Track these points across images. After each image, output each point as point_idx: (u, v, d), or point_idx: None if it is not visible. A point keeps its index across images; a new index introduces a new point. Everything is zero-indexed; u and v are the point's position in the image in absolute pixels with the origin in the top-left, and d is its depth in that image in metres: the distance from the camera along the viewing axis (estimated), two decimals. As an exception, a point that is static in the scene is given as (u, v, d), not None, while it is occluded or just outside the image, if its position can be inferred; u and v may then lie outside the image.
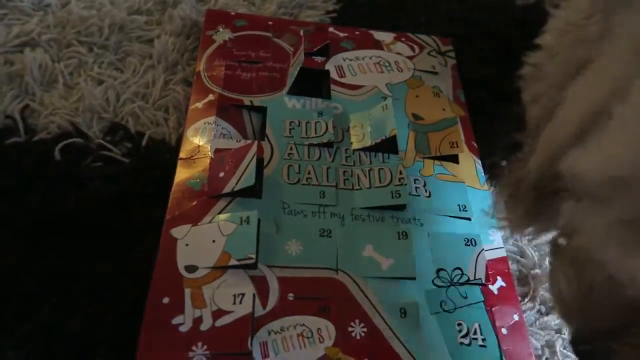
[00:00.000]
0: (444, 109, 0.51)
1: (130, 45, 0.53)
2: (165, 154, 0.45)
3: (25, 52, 0.49)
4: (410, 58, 0.55)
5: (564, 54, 0.53)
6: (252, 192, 0.40)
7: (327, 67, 0.51)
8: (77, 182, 0.42)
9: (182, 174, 0.41)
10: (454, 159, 0.47)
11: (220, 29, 0.53)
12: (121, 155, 0.45)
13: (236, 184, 0.40)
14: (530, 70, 0.58)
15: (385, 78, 0.52)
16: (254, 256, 0.36)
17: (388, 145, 0.45)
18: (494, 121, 0.55)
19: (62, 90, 0.48)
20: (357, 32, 0.56)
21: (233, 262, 0.36)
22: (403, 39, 0.57)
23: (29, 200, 0.39)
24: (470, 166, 0.47)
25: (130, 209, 0.41)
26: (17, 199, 0.40)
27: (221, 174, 0.40)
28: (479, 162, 0.48)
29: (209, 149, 0.42)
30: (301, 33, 0.52)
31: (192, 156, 0.42)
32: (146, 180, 0.43)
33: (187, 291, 0.35)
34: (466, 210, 0.43)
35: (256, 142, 0.43)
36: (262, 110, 0.46)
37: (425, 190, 0.44)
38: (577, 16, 0.51)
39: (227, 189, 0.40)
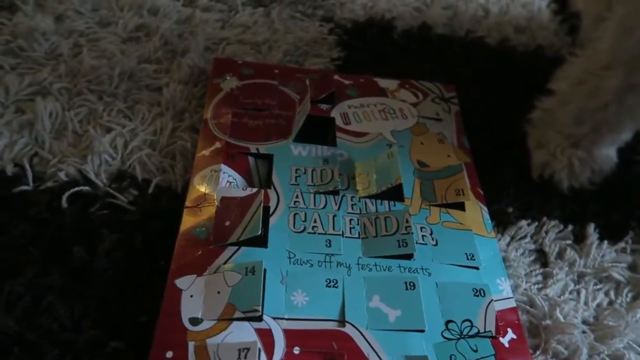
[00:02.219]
0: (448, 156, 0.51)
1: (140, 94, 0.54)
2: (172, 201, 0.46)
3: (37, 101, 0.50)
4: (415, 105, 0.55)
5: (578, 103, 0.54)
6: (258, 241, 0.40)
7: (332, 114, 0.51)
8: (84, 231, 0.42)
9: (187, 223, 0.41)
10: (460, 206, 0.47)
11: (228, 77, 0.54)
12: (127, 203, 0.45)
13: (242, 233, 0.40)
14: (540, 115, 0.58)
15: (390, 125, 0.52)
16: (259, 308, 0.36)
17: (394, 193, 0.45)
18: (499, 167, 0.55)
19: (71, 138, 0.49)
20: (362, 80, 0.57)
21: (238, 314, 0.36)
22: (407, 86, 0.58)
23: (35, 250, 0.39)
24: (476, 213, 0.47)
25: (135, 259, 0.40)
26: (23, 249, 0.39)
27: (227, 223, 0.40)
28: (486, 209, 0.48)
29: (216, 197, 0.42)
30: (307, 82, 0.53)
31: (198, 204, 0.42)
32: (152, 228, 0.43)
33: (191, 345, 0.34)
34: (474, 259, 0.43)
35: (262, 191, 0.43)
36: (268, 158, 0.47)
37: (432, 239, 0.43)
38: (595, 66, 0.51)
39: (233, 238, 0.39)
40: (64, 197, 0.44)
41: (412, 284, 0.39)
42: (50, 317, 0.36)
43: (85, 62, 0.55)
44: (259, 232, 0.39)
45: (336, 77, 0.57)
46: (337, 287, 0.39)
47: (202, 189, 0.43)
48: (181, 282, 0.37)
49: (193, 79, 0.57)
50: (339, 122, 0.51)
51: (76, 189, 0.44)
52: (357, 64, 0.64)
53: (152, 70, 0.57)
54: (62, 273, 0.39)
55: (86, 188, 0.45)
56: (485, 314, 0.39)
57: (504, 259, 0.46)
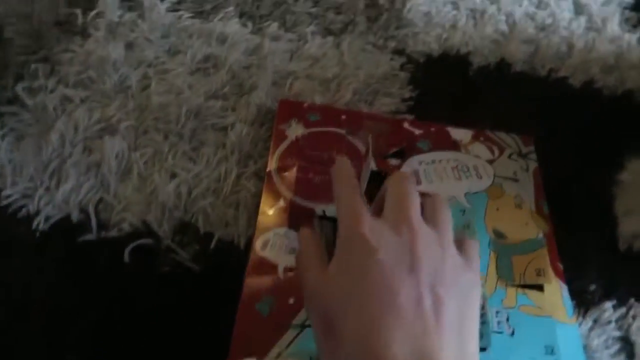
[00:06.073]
0: (527, 223, 0.47)
1: (205, 134, 0.53)
2: (234, 258, 0.44)
3: (105, 140, 0.50)
4: (490, 162, 0.51)
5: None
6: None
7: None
8: (145, 290, 0.41)
9: (249, 293, 0.40)
10: (539, 286, 0.43)
11: (293, 124, 0.52)
12: (190, 260, 0.43)
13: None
14: (629, 178, 0.53)
15: (464, 186, 0.49)
16: (323, 405, 0.34)
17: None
18: (582, 235, 0.50)
19: (136, 181, 0.48)
20: (433, 129, 0.54)
21: (300, 408, 0.34)
22: (482, 139, 0.54)
23: (95, 311, 0.39)
24: (556, 295, 0.43)
25: (196, 325, 0.39)
26: (84, 312, 0.39)
27: (291, 301, 0.38)
28: (566, 288, 0.44)
29: (279, 268, 0.41)
30: (369, 139, 0.49)
31: (260, 273, 0.41)
32: (214, 291, 0.42)
33: None
34: (554, 353, 0.39)
35: None
36: (333, 220, 0.44)
37: (509, 327, 0.40)
38: None
39: (298, 320, 0.37)
40: (127, 251, 0.43)
41: (486, 383, 0.36)
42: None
43: (154, 98, 0.54)
44: (326, 318, 0.37)
45: (406, 125, 0.54)
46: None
47: (265, 255, 0.42)
48: (242, 364, 0.36)
49: (259, 119, 0.55)
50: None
51: (139, 241, 0.44)
52: (429, 105, 0.60)
53: (218, 108, 0.55)
54: (121, 337, 0.38)
55: (149, 240, 0.44)
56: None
57: (586, 347, 0.42)
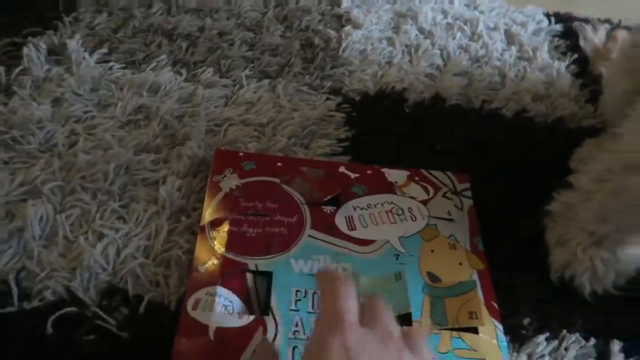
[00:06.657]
0: (460, 264, 0.48)
1: (135, 190, 0.52)
2: (165, 320, 0.43)
3: (28, 205, 0.48)
4: (425, 202, 0.52)
5: (601, 201, 0.50)
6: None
7: (336, 218, 0.48)
8: (68, 363, 0.39)
9: (179, 358, 0.38)
10: (474, 328, 0.43)
11: (228, 174, 0.51)
12: (117, 326, 0.42)
13: (237, 377, 0.37)
14: (559, 208, 0.54)
15: (399, 230, 0.49)
16: None
17: (401, 321, 0.42)
18: (516, 268, 0.51)
19: (62, 246, 0.47)
20: (369, 172, 0.54)
21: None
22: (417, 179, 0.54)
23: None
24: (491, 334, 0.44)
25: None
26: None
27: (222, 363, 0.38)
28: (501, 327, 0.45)
29: (210, 329, 0.40)
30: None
31: (190, 335, 0.40)
32: (144, 358, 0.40)
33: None
34: (489, 399, 0.39)
35: (261, 328, 0.40)
36: (267, 274, 0.44)
37: (443, 374, 0.40)
38: (618, 165, 0.48)
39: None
40: (50, 321, 0.41)
41: None
42: None
43: (80, 156, 0.52)
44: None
45: (342, 169, 0.54)
46: None
47: (196, 316, 0.41)
48: None
49: (193, 170, 0.54)
50: (343, 227, 0.48)
51: (63, 311, 0.42)
52: (365, 145, 0.61)
53: (149, 161, 0.54)
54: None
55: (73, 309, 0.42)
56: None
57: (521, 384, 0.42)
